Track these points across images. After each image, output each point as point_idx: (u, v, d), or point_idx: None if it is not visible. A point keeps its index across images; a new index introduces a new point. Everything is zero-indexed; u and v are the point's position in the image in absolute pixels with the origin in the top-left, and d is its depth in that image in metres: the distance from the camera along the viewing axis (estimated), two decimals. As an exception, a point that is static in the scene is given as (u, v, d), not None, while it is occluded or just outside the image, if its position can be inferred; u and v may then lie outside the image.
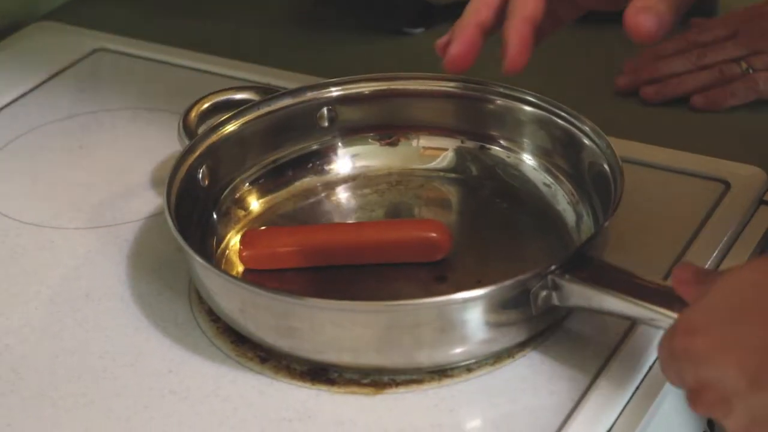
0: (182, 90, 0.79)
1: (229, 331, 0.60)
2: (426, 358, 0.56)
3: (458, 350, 0.56)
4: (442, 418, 0.53)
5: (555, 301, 0.55)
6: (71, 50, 0.91)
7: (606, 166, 0.64)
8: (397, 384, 0.56)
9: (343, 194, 0.74)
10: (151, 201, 0.71)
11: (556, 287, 0.56)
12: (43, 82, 0.87)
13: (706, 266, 0.67)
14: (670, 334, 0.50)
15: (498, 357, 0.58)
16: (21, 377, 0.57)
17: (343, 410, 0.54)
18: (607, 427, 0.53)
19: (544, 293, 0.56)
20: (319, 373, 0.57)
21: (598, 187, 0.66)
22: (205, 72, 0.89)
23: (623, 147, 0.69)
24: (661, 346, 0.50)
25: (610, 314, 0.55)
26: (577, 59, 0.90)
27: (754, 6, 0.84)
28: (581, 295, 0.55)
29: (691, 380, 0.49)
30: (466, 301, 0.54)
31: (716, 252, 0.68)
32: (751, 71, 0.77)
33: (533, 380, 0.56)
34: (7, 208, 0.72)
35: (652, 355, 0.58)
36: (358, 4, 0.98)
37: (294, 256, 0.64)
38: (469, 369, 0.57)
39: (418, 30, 0.95)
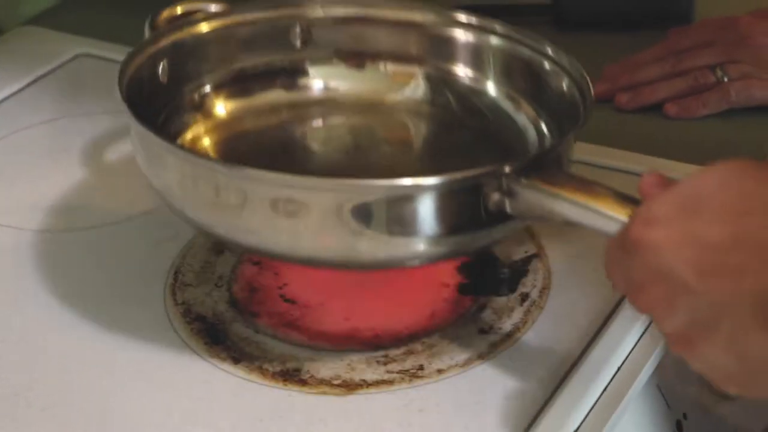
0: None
1: (203, 332, 0.60)
2: (367, 249, 0.56)
3: (400, 247, 0.56)
4: (412, 418, 0.53)
5: (507, 207, 0.55)
6: (53, 55, 0.91)
7: (572, 84, 0.65)
8: (368, 385, 0.56)
9: (310, 117, 0.76)
10: (131, 204, 0.71)
11: (509, 192, 0.55)
12: (25, 87, 0.87)
13: None
14: (625, 227, 0.50)
15: (468, 360, 0.58)
16: None
17: (315, 410, 0.55)
18: (575, 426, 0.53)
19: (496, 196, 0.55)
20: (292, 374, 0.57)
21: (562, 110, 0.67)
22: None
23: (596, 152, 0.73)
24: (612, 240, 0.51)
25: (563, 222, 0.55)
26: None
27: (731, 16, 0.85)
28: (534, 200, 0.55)
29: (637, 275, 0.49)
30: (415, 187, 0.54)
31: None
32: (725, 79, 0.79)
33: (503, 381, 0.56)
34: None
35: (622, 355, 0.58)
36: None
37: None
38: (439, 370, 0.57)
39: None
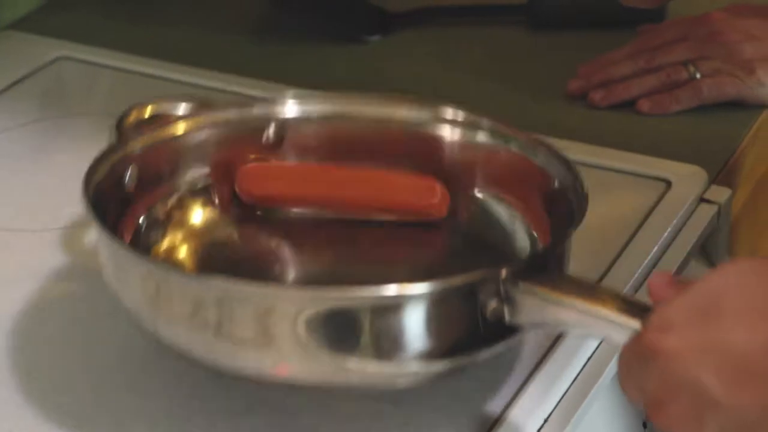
0: (143, 97, 0.78)
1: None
2: (353, 369, 0.52)
3: (388, 366, 0.52)
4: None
5: (506, 315, 0.51)
6: (34, 58, 0.91)
7: (564, 181, 0.63)
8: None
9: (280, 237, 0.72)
10: None
11: (507, 297, 0.51)
12: (6, 89, 0.87)
13: (646, 261, 0.68)
14: (640, 335, 0.47)
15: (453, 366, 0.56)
16: None
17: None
18: (546, 414, 0.54)
19: (494, 303, 0.51)
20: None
21: (554, 208, 0.64)
22: (167, 80, 0.89)
23: (568, 147, 0.69)
24: (625, 350, 0.47)
25: (567, 329, 0.55)
26: (535, 64, 0.91)
27: (703, 13, 0.86)
28: (534, 306, 0.51)
29: (657, 388, 0.45)
30: (403, 296, 0.49)
31: (656, 247, 0.69)
32: (697, 75, 0.79)
33: (481, 370, 0.57)
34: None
35: (582, 358, 0.59)
36: (315, 11, 0.98)
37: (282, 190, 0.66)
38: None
39: (375, 37, 0.95)
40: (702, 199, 0.73)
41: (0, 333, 0.62)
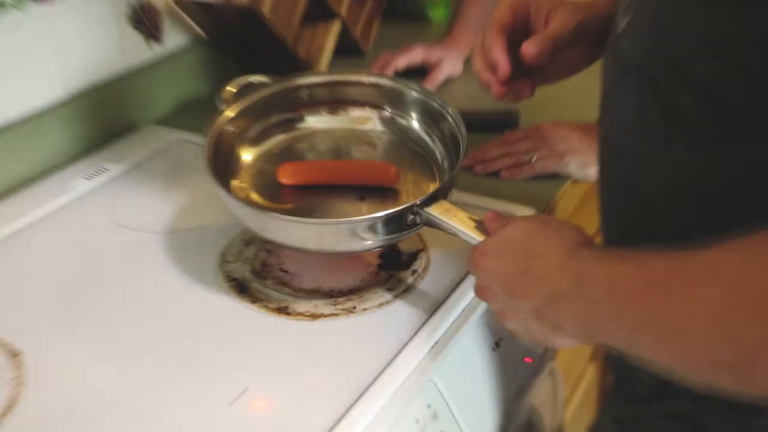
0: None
1: (236, 287, 0.85)
2: (344, 246, 0.80)
3: (360, 244, 0.79)
4: (348, 333, 0.79)
5: (417, 221, 0.77)
6: (166, 141, 1.18)
7: (456, 133, 0.86)
8: (324, 316, 0.81)
9: (311, 142, 0.99)
10: (201, 219, 0.97)
11: (418, 214, 0.76)
12: (151, 158, 1.14)
13: None
14: (473, 251, 0.69)
15: (381, 303, 0.82)
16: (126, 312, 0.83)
17: (295, 329, 0.80)
18: (438, 336, 0.78)
19: (411, 216, 0.77)
20: (283, 309, 0.82)
21: (453, 146, 0.88)
22: None
23: (464, 197, 0.97)
24: (468, 257, 0.69)
25: (448, 233, 0.76)
26: None
27: (538, 124, 1.11)
28: (431, 219, 0.76)
29: (478, 281, 0.69)
30: (365, 220, 0.77)
31: None
32: (533, 159, 1.05)
33: (401, 314, 0.82)
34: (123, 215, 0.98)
35: (464, 303, 0.82)
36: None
37: (306, 176, 0.92)
38: (364, 309, 0.82)
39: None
40: None
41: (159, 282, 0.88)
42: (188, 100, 1.35)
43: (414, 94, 0.96)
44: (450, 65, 1.36)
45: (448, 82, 1.37)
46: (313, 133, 0.99)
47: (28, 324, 0.82)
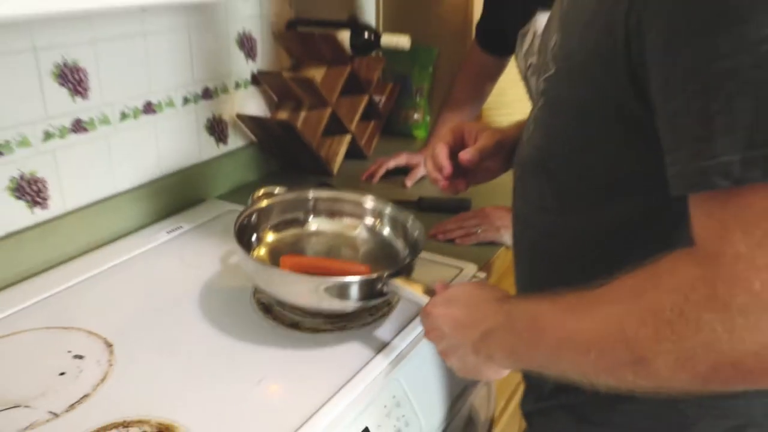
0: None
1: (263, 308, 0.86)
2: (327, 305, 0.78)
3: (341, 304, 0.78)
4: (341, 345, 0.80)
5: (384, 290, 0.76)
6: (223, 211, 1.20)
7: (417, 237, 0.88)
8: (325, 331, 0.82)
9: (312, 238, 0.97)
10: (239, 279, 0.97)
11: (386, 283, 0.76)
12: (208, 222, 1.16)
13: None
14: (426, 306, 0.69)
15: (363, 324, 0.82)
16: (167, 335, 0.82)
17: (302, 339, 0.82)
18: (413, 336, 0.80)
19: (380, 284, 0.76)
20: (295, 325, 0.83)
21: (413, 245, 0.89)
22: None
23: (432, 256, 1.01)
24: (421, 312, 0.70)
25: (407, 299, 0.76)
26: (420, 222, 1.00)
27: (483, 208, 1.14)
28: (394, 288, 0.76)
29: (427, 326, 0.69)
30: (346, 282, 0.76)
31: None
32: (479, 231, 1.09)
33: (380, 330, 0.83)
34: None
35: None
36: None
37: (301, 270, 0.84)
38: (352, 327, 0.82)
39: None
40: (474, 276, 0.97)
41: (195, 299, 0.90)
42: (241, 184, 1.38)
43: (388, 210, 0.96)
44: (425, 168, 1.38)
45: (423, 178, 1.40)
46: (315, 232, 0.98)
47: (120, 325, 0.85)
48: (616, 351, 0.46)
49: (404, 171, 1.39)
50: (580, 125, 0.57)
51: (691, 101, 0.42)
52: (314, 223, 0.98)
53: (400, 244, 0.93)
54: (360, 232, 0.96)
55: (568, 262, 0.63)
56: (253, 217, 0.91)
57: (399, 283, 0.74)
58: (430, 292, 0.71)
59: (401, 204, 1.11)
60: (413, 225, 0.89)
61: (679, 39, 0.43)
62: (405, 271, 0.79)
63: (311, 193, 0.97)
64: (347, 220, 0.97)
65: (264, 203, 0.93)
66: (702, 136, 0.42)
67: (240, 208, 1.10)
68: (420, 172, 1.39)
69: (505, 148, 0.78)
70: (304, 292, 0.77)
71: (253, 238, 0.92)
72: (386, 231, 0.95)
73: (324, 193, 0.98)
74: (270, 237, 0.95)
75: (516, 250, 0.74)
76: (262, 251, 0.93)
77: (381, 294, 0.76)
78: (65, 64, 1.02)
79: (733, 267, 0.40)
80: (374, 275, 0.75)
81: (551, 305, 0.53)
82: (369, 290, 0.75)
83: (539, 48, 0.67)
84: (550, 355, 0.52)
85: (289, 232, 0.97)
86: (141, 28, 1.12)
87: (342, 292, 0.75)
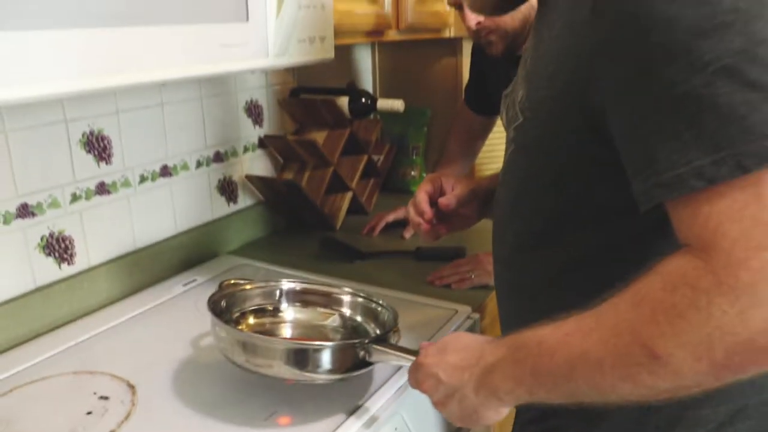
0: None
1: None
2: (308, 377, 0.74)
3: (315, 371, 0.74)
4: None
5: (366, 357, 0.74)
6: (235, 264, 1.29)
7: (391, 317, 0.86)
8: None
9: (284, 326, 0.95)
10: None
11: (367, 350, 0.74)
12: (223, 273, 1.23)
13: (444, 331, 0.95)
14: (419, 357, 0.67)
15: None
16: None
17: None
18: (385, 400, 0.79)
19: (361, 351, 0.74)
20: None
21: (383, 327, 0.86)
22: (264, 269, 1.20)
23: (428, 300, 1.06)
24: (410, 370, 0.68)
25: (389, 362, 0.75)
26: (419, 271, 1.20)
27: (476, 253, 1.20)
28: (377, 355, 0.74)
29: (421, 378, 0.66)
30: (322, 346, 0.75)
31: (450, 323, 0.98)
32: (473, 276, 1.14)
33: (366, 381, 0.84)
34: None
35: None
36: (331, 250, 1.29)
37: None
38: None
39: (357, 262, 1.28)
40: (468, 317, 1.02)
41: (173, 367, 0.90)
42: (251, 240, 1.45)
43: (359, 299, 0.93)
44: None
45: None
46: (288, 321, 0.94)
47: (142, 369, 0.91)
48: (633, 355, 0.47)
49: (403, 224, 1.45)
50: (547, 167, 0.63)
51: (661, 124, 0.48)
52: (288, 311, 0.95)
53: (370, 330, 0.90)
54: (331, 321, 0.94)
55: (546, 296, 0.67)
56: (223, 302, 0.87)
57: (382, 348, 0.73)
58: (414, 352, 0.70)
59: (399, 254, 1.26)
60: (383, 311, 0.87)
61: (639, 78, 0.49)
62: (385, 337, 0.77)
63: (282, 285, 0.95)
64: (320, 309, 0.94)
65: (236, 289, 0.91)
66: (675, 149, 0.47)
67: (250, 262, 1.27)
68: (418, 225, 1.45)
69: (479, 197, 0.84)
70: (283, 364, 0.73)
71: (228, 318, 0.88)
72: (359, 318, 0.93)
73: (296, 285, 0.95)
74: (243, 325, 0.91)
75: (498, 290, 0.77)
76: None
77: (364, 363, 0.74)
78: (92, 133, 1.12)
79: (731, 252, 0.44)
80: (355, 340, 0.75)
81: (554, 330, 0.54)
82: (350, 358, 0.73)
83: (509, 103, 0.73)
84: (561, 376, 0.52)
85: (262, 320, 0.93)
86: (159, 100, 1.23)
87: (326, 359, 0.73)
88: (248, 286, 0.91)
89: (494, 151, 1.63)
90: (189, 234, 1.30)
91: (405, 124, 1.78)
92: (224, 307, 0.86)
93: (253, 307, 0.91)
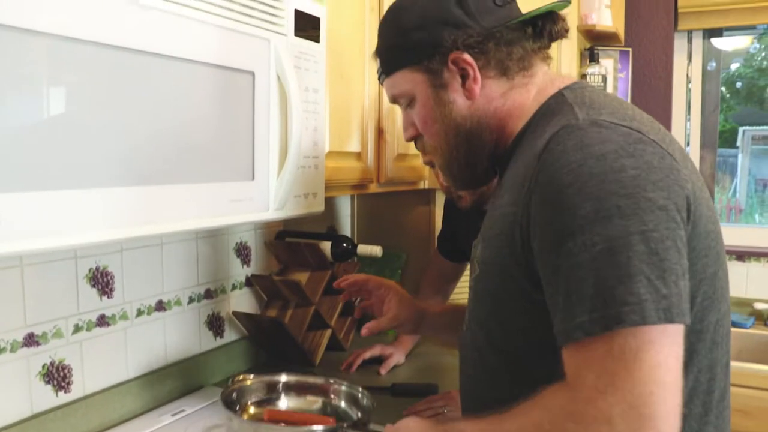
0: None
1: None
2: None
3: None
4: None
5: None
6: (217, 396, 1.34)
7: (365, 404, 1.06)
8: None
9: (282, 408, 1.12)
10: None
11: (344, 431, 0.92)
12: (207, 406, 1.36)
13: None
14: None
15: None
16: None
17: None
18: None
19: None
20: None
21: (365, 412, 1.05)
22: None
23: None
24: None
25: None
26: (392, 406, 1.27)
27: (448, 390, 1.30)
28: None
29: None
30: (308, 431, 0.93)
31: None
32: (446, 411, 1.23)
33: None
34: None
35: None
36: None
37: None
38: None
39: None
40: None
41: None
42: (234, 372, 1.51)
43: (343, 387, 1.13)
44: (397, 357, 1.58)
45: (396, 366, 1.58)
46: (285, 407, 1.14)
47: None
48: None
49: (379, 360, 1.57)
50: (498, 310, 0.76)
51: (559, 287, 0.63)
52: (284, 400, 1.14)
53: (353, 413, 1.08)
54: (320, 407, 1.12)
55: (493, 396, 0.78)
56: (234, 394, 1.07)
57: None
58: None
59: (375, 390, 1.32)
60: (362, 395, 1.07)
61: (548, 245, 0.64)
62: (360, 425, 0.94)
63: (281, 378, 1.15)
64: (310, 398, 1.12)
65: (244, 384, 1.11)
66: (566, 307, 0.62)
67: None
68: (393, 361, 1.56)
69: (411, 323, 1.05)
70: None
71: (237, 408, 1.07)
72: (342, 404, 1.11)
73: (290, 378, 1.15)
74: (251, 410, 1.10)
75: (461, 387, 0.88)
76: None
77: None
78: (97, 269, 1.24)
79: (585, 392, 0.59)
80: (335, 425, 0.93)
81: (474, 424, 0.70)
82: None
83: (471, 257, 0.85)
84: None
85: (265, 408, 1.12)
86: (159, 240, 1.37)
87: None
88: (248, 382, 1.10)
89: (464, 292, 1.74)
90: (178, 366, 1.39)
91: (381, 267, 1.93)
92: (235, 399, 1.05)
93: (258, 399, 1.11)
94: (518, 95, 0.80)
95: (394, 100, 0.86)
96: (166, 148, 0.85)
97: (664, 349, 0.58)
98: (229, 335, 1.55)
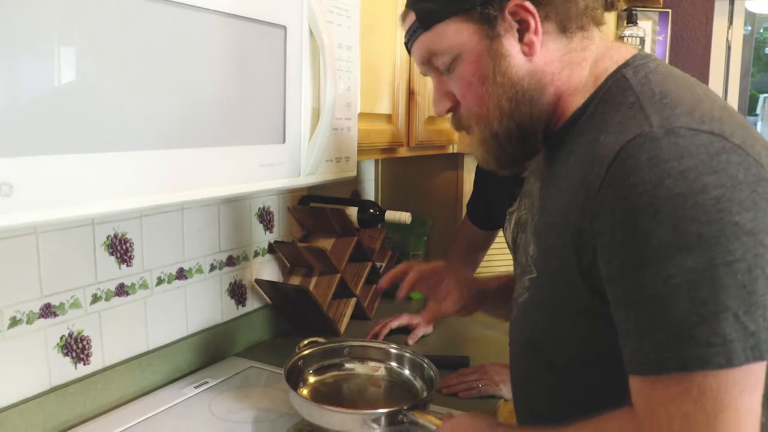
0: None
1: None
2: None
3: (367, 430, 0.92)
4: None
5: (404, 420, 0.91)
6: (243, 367, 1.33)
7: (432, 375, 1.06)
8: None
9: (346, 379, 1.15)
10: (261, 409, 1.12)
11: (405, 415, 0.91)
12: (231, 377, 1.31)
13: None
14: (438, 428, 0.83)
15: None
16: None
17: None
18: None
19: (400, 416, 0.91)
20: None
21: (429, 383, 1.06)
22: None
23: (437, 408, 1.09)
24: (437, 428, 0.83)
25: (422, 427, 0.89)
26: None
27: (482, 363, 1.26)
28: (412, 419, 0.90)
29: None
30: (370, 414, 0.91)
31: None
32: (480, 385, 1.19)
33: None
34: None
35: None
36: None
37: None
38: None
39: None
40: None
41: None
42: (256, 342, 1.49)
43: (408, 354, 1.14)
44: (424, 327, 1.53)
45: (424, 336, 1.53)
46: (348, 374, 1.16)
47: None
48: None
49: (405, 330, 1.52)
50: (557, 319, 0.71)
51: (629, 315, 0.59)
52: (348, 366, 1.17)
53: (418, 383, 1.09)
54: (382, 371, 1.15)
55: (538, 402, 0.77)
56: (300, 362, 1.10)
57: (415, 415, 0.89)
58: (439, 417, 0.85)
59: None
60: (428, 366, 1.07)
61: (619, 271, 0.59)
62: (421, 405, 0.92)
63: (344, 342, 1.18)
64: (372, 363, 1.16)
65: (307, 351, 1.13)
66: (636, 338, 0.58)
67: (256, 364, 1.33)
68: (420, 331, 1.51)
69: (475, 304, 0.96)
70: (345, 422, 0.93)
71: (299, 378, 1.10)
72: (406, 372, 1.13)
73: (355, 342, 1.19)
74: (312, 378, 1.13)
75: (512, 385, 0.85)
76: (304, 391, 1.10)
77: (401, 423, 0.90)
78: (116, 236, 1.18)
79: (654, 428, 0.57)
80: (395, 408, 0.90)
81: None
82: (392, 420, 0.91)
83: (522, 248, 0.80)
84: None
85: (328, 375, 1.15)
86: (180, 205, 1.30)
87: (367, 422, 0.91)
88: (319, 347, 1.15)
89: (493, 260, 1.69)
90: (200, 336, 1.34)
91: (406, 233, 1.87)
92: (300, 366, 1.10)
93: (322, 365, 1.15)
94: (576, 63, 0.72)
95: (428, 61, 0.74)
96: (193, 109, 0.78)
97: (746, 391, 0.54)
98: (251, 303, 1.50)
